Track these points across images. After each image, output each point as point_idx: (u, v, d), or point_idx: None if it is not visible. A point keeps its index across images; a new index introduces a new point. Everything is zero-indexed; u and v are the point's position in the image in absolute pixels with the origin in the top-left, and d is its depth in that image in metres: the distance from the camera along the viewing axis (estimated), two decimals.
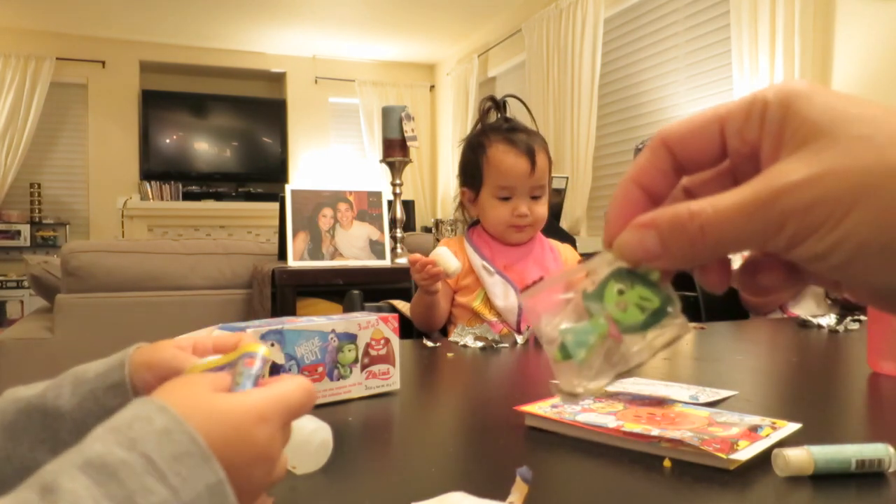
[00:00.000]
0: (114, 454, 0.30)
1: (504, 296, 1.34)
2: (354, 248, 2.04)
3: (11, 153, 5.58)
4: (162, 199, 6.11)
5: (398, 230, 2.21)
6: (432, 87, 7.00)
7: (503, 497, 0.42)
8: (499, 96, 1.46)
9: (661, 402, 0.65)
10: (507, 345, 1.10)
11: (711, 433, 0.55)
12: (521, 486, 0.42)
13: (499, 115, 1.44)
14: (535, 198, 1.39)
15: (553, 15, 4.51)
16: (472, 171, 1.42)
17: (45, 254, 5.41)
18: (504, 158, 1.36)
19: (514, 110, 1.47)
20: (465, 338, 1.08)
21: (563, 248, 1.51)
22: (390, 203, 2.20)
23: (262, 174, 6.51)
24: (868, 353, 0.91)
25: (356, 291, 1.40)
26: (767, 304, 1.65)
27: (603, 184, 4.36)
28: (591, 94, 4.18)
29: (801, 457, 0.49)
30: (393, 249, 2.15)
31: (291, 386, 0.39)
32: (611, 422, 0.58)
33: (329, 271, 1.93)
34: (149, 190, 6.08)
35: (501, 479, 0.52)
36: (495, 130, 1.40)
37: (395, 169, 2.21)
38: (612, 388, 0.70)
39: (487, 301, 1.36)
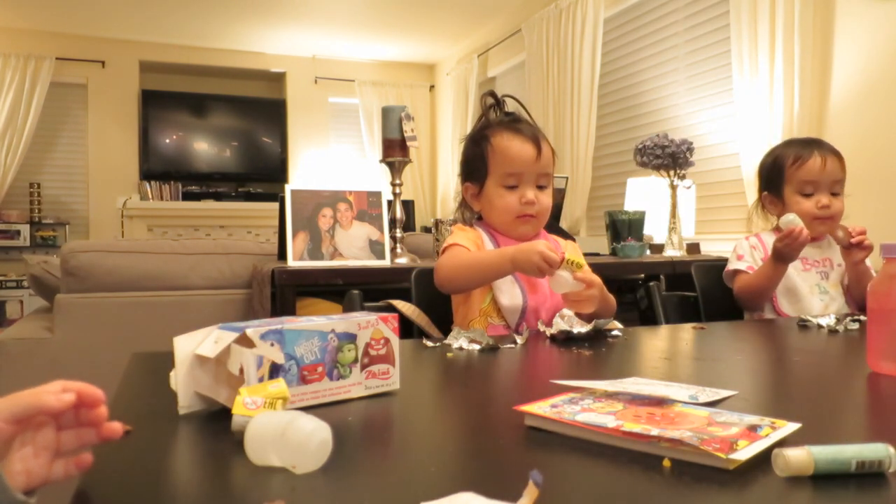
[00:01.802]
0: None
1: (510, 294, 1.33)
2: (354, 248, 2.04)
3: (11, 153, 5.57)
4: (162, 199, 6.11)
5: (398, 230, 2.21)
6: (432, 87, 7.01)
7: (511, 499, 0.42)
8: (498, 95, 1.46)
9: (660, 401, 0.65)
10: (504, 346, 1.09)
11: (711, 433, 0.55)
12: (532, 490, 0.42)
13: (499, 112, 1.44)
14: (540, 188, 1.38)
15: (553, 15, 4.51)
16: (475, 164, 1.41)
17: (45, 254, 5.41)
18: (510, 145, 1.36)
19: (515, 111, 1.47)
20: (460, 340, 1.08)
21: (567, 246, 1.49)
22: (390, 203, 2.19)
23: (261, 174, 6.51)
24: (868, 353, 0.91)
25: (356, 291, 1.40)
26: (760, 302, 1.66)
27: (603, 184, 4.36)
28: (590, 94, 4.18)
29: (801, 457, 0.49)
30: (393, 249, 2.15)
31: None
32: (610, 421, 0.58)
33: (329, 271, 1.93)
34: (148, 190, 6.08)
35: (502, 478, 0.52)
36: (499, 123, 1.41)
37: (395, 169, 2.21)
38: (612, 389, 0.70)
39: (495, 302, 1.35)
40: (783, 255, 1.54)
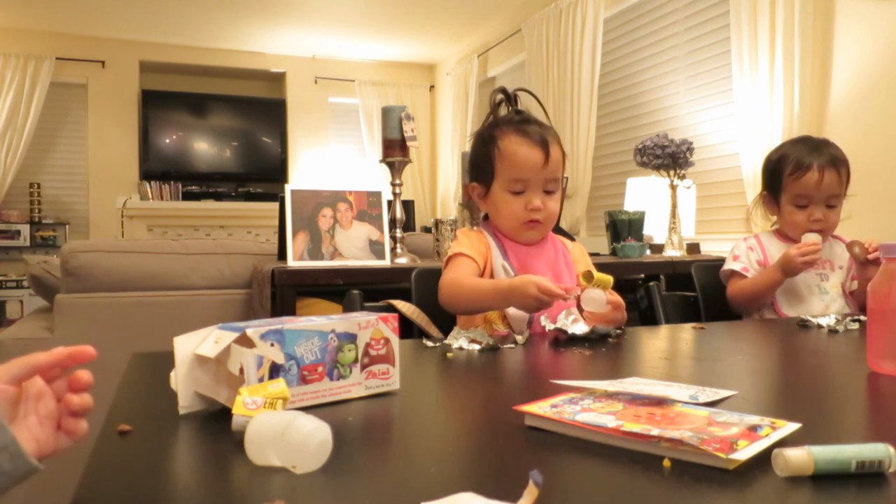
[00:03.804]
0: None
1: None
2: (354, 248, 2.04)
3: (11, 153, 5.58)
4: (162, 199, 6.11)
5: (398, 230, 2.21)
6: (432, 87, 7.01)
7: (511, 499, 0.42)
8: (509, 90, 1.41)
9: (660, 402, 0.65)
10: (504, 346, 1.09)
11: (711, 433, 0.55)
12: (532, 490, 0.42)
13: (510, 108, 1.40)
14: (548, 192, 1.35)
15: (553, 15, 4.51)
16: (483, 165, 1.37)
17: (45, 254, 5.41)
18: (517, 150, 1.32)
19: (524, 106, 1.44)
20: (460, 340, 1.08)
21: (573, 247, 1.47)
22: (390, 203, 2.19)
23: (261, 174, 6.51)
24: (868, 353, 0.91)
25: (356, 291, 1.39)
26: (752, 307, 1.66)
27: (603, 184, 4.36)
28: (590, 94, 4.18)
29: (801, 457, 0.49)
30: (393, 249, 2.15)
31: None
32: (610, 421, 0.58)
33: (329, 271, 1.93)
34: (148, 190, 6.08)
35: (502, 478, 0.52)
36: (507, 122, 1.36)
37: (395, 169, 2.21)
38: (612, 389, 0.70)
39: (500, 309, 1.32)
40: (790, 265, 1.54)
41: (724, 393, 0.72)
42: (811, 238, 1.54)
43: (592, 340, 1.14)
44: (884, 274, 0.91)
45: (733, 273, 1.68)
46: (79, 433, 0.55)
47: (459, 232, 1.44)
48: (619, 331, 1.21)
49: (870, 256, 1.54)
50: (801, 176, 1.62)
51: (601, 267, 1.42)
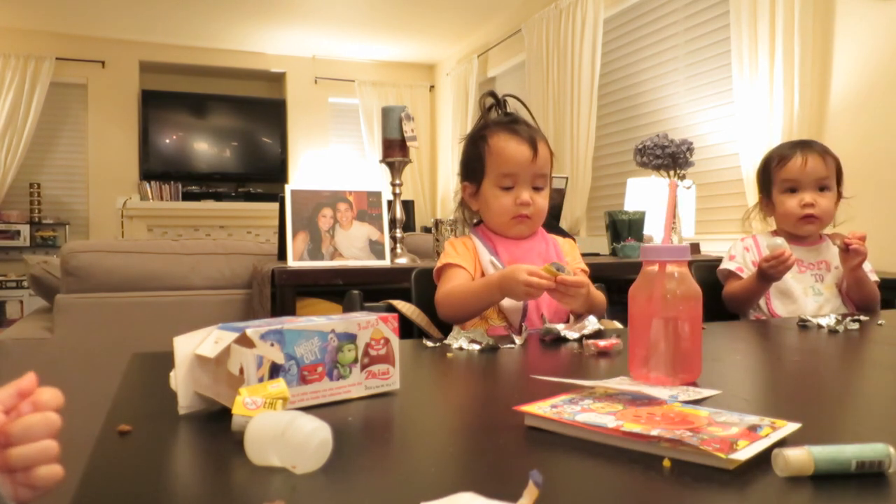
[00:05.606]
0: None
1: None
2: (354, 249, 2.04)
3: (11, 153, 5.58)
4: (162, 199, 6.11)
5: (398, 230, 2.21)
6: (432, 87, 7.01)
7: (511, 499, 0.42)
8: (499, 95, 1.47)
9: (660, 402, 0.65)
10: (503, 346, 1.10)
11: (711, 433, 0.55)
12: (532, 490, 0.42)
13: (500, 112, 1.45)
14: (536, 189, 1.39)
15: (553, 15, 4.51)
16: (473, 164, 1.42)
17: (45, 254, 5.41)
18: (506, 146, 1.37)
19: (515, 111, 1.48)
20: (460, 341, 1.08)
21: (564, 243, 1.50)
22: (390, 203, 2.19)
23: (261, 174, 6.51)
24: (629, 361, 0.84)
25: (356, 291, 1.40)
26: (742, 310, 1.67)
27: (603, 184, 4.36)
28: (590, 94, 4.18)
29: (801, 457, 0.49)
30: (393, 250, 2.15)
31: None
32: (610, 422, 0.58)
33: (329, 271, 1.93)
34: (148, 190, 6.08)
35: (501, 478, 0.52)
36: (497, 123, 1.41)
37: (395, 169, 2.21)
38: (595, 385, 0.70)
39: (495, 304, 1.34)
40: (768, 275, 1.55)
41: (706, 392, 0.71)
42: (777, 244, 1.54)
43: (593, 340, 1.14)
44: (642, 278, 0.84)
45: (730, 273, 1.69)
46: (45, 482, 0.50)
47: (447, 242, 1.47)
48: (615, 333, 1.21)
49: (845, 241, 1.56)
50: (786, 162, 1.66)
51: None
